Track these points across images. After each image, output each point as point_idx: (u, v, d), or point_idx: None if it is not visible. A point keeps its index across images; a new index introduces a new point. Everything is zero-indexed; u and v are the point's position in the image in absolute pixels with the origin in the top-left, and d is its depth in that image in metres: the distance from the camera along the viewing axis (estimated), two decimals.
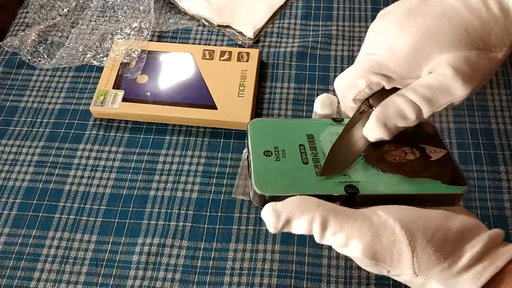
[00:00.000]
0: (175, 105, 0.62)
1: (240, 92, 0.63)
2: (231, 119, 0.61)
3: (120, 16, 0.74)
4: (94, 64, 0.69)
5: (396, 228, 0.29)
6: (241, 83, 0.64)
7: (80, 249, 0.54)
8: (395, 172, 0.35)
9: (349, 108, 0.37)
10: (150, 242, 0.54)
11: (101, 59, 0.69)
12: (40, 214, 0.57)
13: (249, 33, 0.71)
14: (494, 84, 0.65)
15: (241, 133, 0.62)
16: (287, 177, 0.34)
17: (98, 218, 0.56)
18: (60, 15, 0.75)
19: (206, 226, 0.55)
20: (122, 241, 0.55)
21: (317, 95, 0.31)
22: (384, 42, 0.33)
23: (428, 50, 0.32)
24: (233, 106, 0.62)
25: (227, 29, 0.73)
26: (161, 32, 0.73)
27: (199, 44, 0.71)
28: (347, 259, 0.52)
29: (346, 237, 0.29)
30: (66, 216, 0.56)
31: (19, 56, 0.70)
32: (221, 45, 0.71)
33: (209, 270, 0.52)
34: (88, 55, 0.69)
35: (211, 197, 0.57)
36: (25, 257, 0.54)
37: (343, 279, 0.51)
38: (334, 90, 0.38)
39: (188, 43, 0.72)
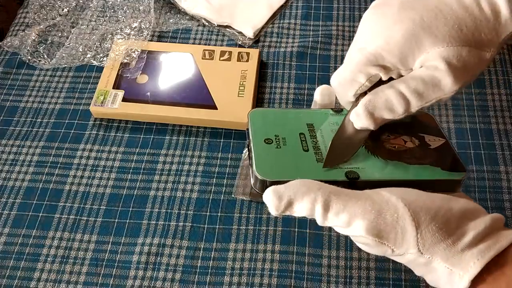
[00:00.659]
0: (175, 105, 0.62)
1: (240, 92, 0.63)
2: (231, 119, 0.61)
3: (120, 16, 0.74)
4: (94, 64, 0.69)
5: (399, 205, 0.29)
6: (241, 83, 0.64)
7: (80, 249, 0.54)
8: (395, 159, 0.35)
9: (349, 104, 0.37)
10: (150, 242, 0.54)
11: (101, 59, 0.69)
12: (40, 214, 0.57)
13: (249, 33, 0.71)
14: (494, 84, 0.65)
15: (241, 133, 0.62)
16: (288, 163, 0.35)
17: (98, 218, 0.56)
18: (60, 15, 0.75)
19: (206, 226, 0.55)
20: (122, 241, 0.55)
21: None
22: (379, 33, 0.33)
23: (423, 41, 0.32)
24: (233, 106, 0.62)
25: (227, 29, 0.73)
26: (161, 32, 0.73)
27: (199, 44, 0.71)
28: (347, 259, 0.52)
29: (349, 216, 0.29)
30: (66, 216, 0.56)
31: (19, 56, 0.70)
32: (221, 45, 0.71)
33: (209, 270, 0.52)
34: (88, 55, 0.69)
35: (211, 197, 0.57)
36: (25, 257, 0.54)
37: (343, 279, 0.51)
38: None
39: (188, 43, 0.72)
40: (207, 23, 0.73)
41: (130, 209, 0.57)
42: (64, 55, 0.70)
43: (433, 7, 0.32)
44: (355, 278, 0.51)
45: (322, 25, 0.73)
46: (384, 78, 0.34)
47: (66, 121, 0.64)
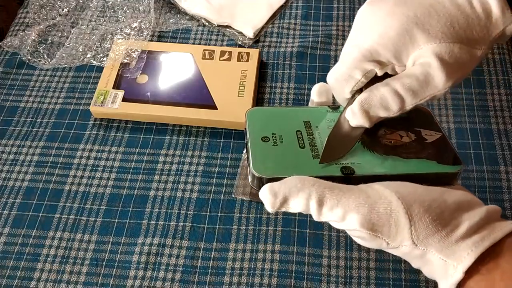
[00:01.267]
0: (175, 105, 0.62)
1: (240, 92, 0.63)
2: (231, 119, 0.61)
3: (120, 16, 0.74)
4: (94, 64, 0.69)
5: (392, 199, 0.30)
6: (241, 83, 0.64)
7: (80, 249, 0.54)
8: (391, 154, 0.35)
9: (345, 100, 0.37)
10: (150, 242, 0.54)
11: (101, 59, 0.69)
12: (40, 214, 0.57)
13: (249, 33, 0.71)
14: (494, 84, 0.65)
15: (241, 133, 0.62)
16: (284, 160, 0.35)
17: (98, 218, 0.56)
18: (60, 15, 0.75)
19: (206, 226, 0.55)
20: (122, 241, 0.55)
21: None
22: (374, 28, 0.34)
23: (416, 36, 0.32)
24: (233, 106, 0.62)
25: (227, 29, 0.73)
26: (161, 32, 0.73)
27: (199, 44, 0.71)
28: (347, 259, 0.52)
29: (343, 210, 0.29)
30: (66, 216, 0.56)
31: (19, 56, 0.70)
32: (221, 45, 0.71)
33: (209, 270, 0.52)
34: (88, 55, 0.69)
35: (211, 197, 0.57)
36: (25, 257, 0.54)
37: (343, 279, 0.51)
38: None
39: (188, 43, 0.72)
40: (207, 23, 0.73)
41: (130, 209, 0.57)
42: (64, 55, 0.70)
43: (426, 5, 0.33)
44: (355, 278, 0.51)
45: (322, 25, 0.73)
46: (380, 73, 0.34)
47: (66, 121, 0.64)
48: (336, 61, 0.69)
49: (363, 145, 0.36)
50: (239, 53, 0.67)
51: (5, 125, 0.64)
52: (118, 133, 0.63)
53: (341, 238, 0.54)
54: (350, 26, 0.72)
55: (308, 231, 0.54)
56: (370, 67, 0.33)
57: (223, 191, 0.58)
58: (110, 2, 0.75)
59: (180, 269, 0.53)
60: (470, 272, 0.28)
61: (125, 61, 0.66)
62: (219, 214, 0.56)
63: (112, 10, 0.75)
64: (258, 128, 0.38)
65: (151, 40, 0.71)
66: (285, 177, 0.32)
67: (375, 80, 0.34)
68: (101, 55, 0.69)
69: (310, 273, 0.52)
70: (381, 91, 0.33)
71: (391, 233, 0.29)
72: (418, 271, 0.51)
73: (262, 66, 0.68)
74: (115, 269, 0.53)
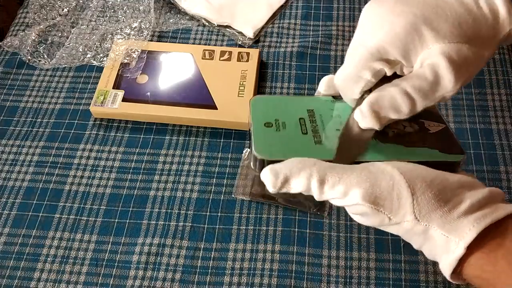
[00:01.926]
0: (175, 105, 0.62)
1: (240, 92, 0.63)
2: (231, 119, 0.61)
3: (120, 16, 0.74)
4: (94, 64, 0.69)
5: (394, 173, 0.30)
6: (241, 83, 0.64)
7: (80, 249, 0.54)
8: (394, 142, 0.35)
9: (353, 101, 0.36)
10: (150, 242, 0.54)
11: (101, 59, 0.69)
12: (40, 214, 0.57)
13: (249, 33, 0.71)
14: (494, 84, 0.65)
15: (241, 133, 0.62)
16: (286, 144, 0.35)
17: (98, 218, 0.56)
18: (60, 15, 0.75)
19: (206, 226, 0.55)
20: (122, 241, 0.55)
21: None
22: (381, 26, 0.33)
23: (424, 34, 0.32)
24: (233, 106, 0.62)
25: (227, 29, 0.73)
26: (161, 32, 0.73)
27: (199, 44, 0.71)
28: (347, 259, 0.52)
29: (345, 186, 0.29)
30: (66, 216, 0.56)
31: (19, 56, 0.70)
32: (221, 45, 0.71)
33: (209, 270, 0.52)
34: (88, 55, 0.69)
35: (211, 197, 0.57)
36: (25, 257, 0.54)
37: (343, 279, 0.51)
38: None
39: (188, 43, 0.72)
40: (207, 23, 0.73)
41: (130, 209, 0.57)
42: (64, 55, 0.70)
43: (433, 4, 0.32)
44: (355, 278, 0.51)
45: (322, 25, 0.73)
46: (389, 73, 0.33)
47: (66, 121, 0.64)
48: (336, 61, 0.69)
49: None
50: (239, 53, 0.67)
51: (5, 125, 0.64)
52: (118, 133, 0.63)
53: (341, 238, 0.54)
54: (350, 26, 0.72)
55: (308, 231, 0.54)
56: (379, 67, 0.33)
57: (223, 191, 0.58)
58: (110, 2, 0.75)
59: (180, 269, 0.53)
60: (471, 249, 0.28)
61: (125, 61, 0.66)
62: (219, 214, 0.56)
63: (112, 10, 0.75)
64: (261, 114, 0.38)
65: (151, 40, 0.71)
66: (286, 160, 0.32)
67: (382, 81, 0.34)
68: (101, 55, 0.69)
69: (310, 273, 0.52)
70: (391, 92, 0.32)
71: (393, 207, 0.29)
72: (417, 271, 0.51)
73: (262, 66, 0.68)
74: (115, 269, 0.53)
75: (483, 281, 0.29)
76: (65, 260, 0.54)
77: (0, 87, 0.68)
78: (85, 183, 0.59)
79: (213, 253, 0.54)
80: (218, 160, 0.60)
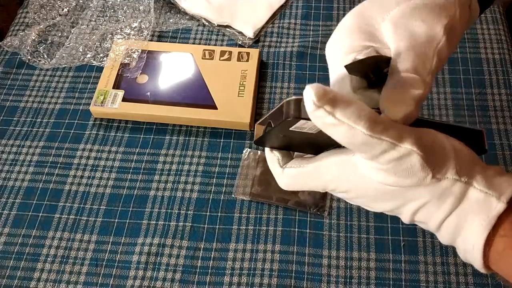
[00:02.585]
0: (175, 105, 0.62)
1: (240, 92, 0.63)
2: (231, 119, 0.61)
3: (120, 16, 0.74)
4: (94, 64, 0.69)
5: (432, 131, 0.29)
6: (241, 83, 0.64)
7: (80, 249, 0.54)
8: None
9: (341, 77, 0.33)
10: (150, 242, 0.54)
11: (101, 59, 0.69)
12: (40, 214, 0.57)
13: (249, 33, 0.71)
14: (494, 84, 0.65)
15: (241, 133, 0.62)
16: None
17: (98, 218, 0.56)
18: (60, 15, 0.75)
19: (206, 226, 0.55)
20: (122, 241, 0.55)
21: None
22: (352, 13, 0.33)
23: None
24: (233, 106, 0.62)
25: (227, 29, 0.73)
26: (161, 32, 0.73)
27: (199, 44, 0.71)
28: (347, 259, 0.52)
29: (398, 132, 0.26)
30: (66, 216, 0.56)
31: (19, 56, 0.70)
32: (221, 45, 0.71)
33: (209, 270, 0.52)
34: (88, 55, 0.69)
35: (211, 197, 0.57)
36: (25, 257, 0.54)
37: (343, 279, 0.51)
38: None
39: (188, 43, 0.72)
40: (207, 23, 0.73)
41: (130, 209, 0.57)
42: (64, 55, 0.70)
43: None
44: (355, 278, 0.51)
45: (322, 25, 0.73)
46: (372, 42, 0.32)
47: (66, 121, 0.64)
48: None
49: None
50: (239, 53, 0.67)
51: (5, 125, 0.64)
52: (118, 133, 0.63)
53: (341, 238, 0.54)
54: None
55: (308, 231, 0.54)
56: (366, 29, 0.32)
57: (223, 191, 0.58)
58: (110, 2, 0.75)
59: (180, 269, 0.53)
60: (508, 214, 0.27)
61: (125, 61, 0.66)
62: (219, 214, 0.56)
63: (112, 10, 0.75)
64: None
65: (151, 40, 0.71)
66: None
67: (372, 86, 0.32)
68: (101, 55, 0.69)
69: (310, 273, 0.52)
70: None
71: (437, 161, 0.28)
72: (417, 271, 0.51)
73: (262, 66, 0.68)
74: (115, 269, 0.53)
75: None
76: (65, 260, 0.54)
77: (0, 87, 0.68)
78: (85, 183, 0.59)
79: (213, 253, 0.53)
80: (218, 160, 0.60)
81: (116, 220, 0.56)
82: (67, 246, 0.55)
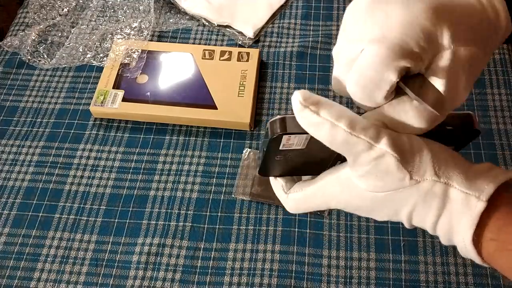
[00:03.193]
0: (175, 105, 0.62)
1: (240, 92, 0.63)
2: (231, 119, 0.61)
3: (120, 16, 0.74)
4: (94, 64, 0.69)
5: (410, 135, 0.29)
6: (241, 83, 0.64)
7: (80, 249, 0.54)
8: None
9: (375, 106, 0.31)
10: (150, 242, 0.54)
11: (101, 59, 0.69)
12: (40, 214, 0.57)
13: (249, 33, 0.71)
14: (494, 84, 0.65)
15: (241, 133, 0.62)
16: None
17: (98, 218, 0.56)
18: (60, 15, 0.75)
19: (206, 226, 0.55)
20: (122, 241, 0.55)
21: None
22: (391, 17, 0.28)
23: (443, 29, 0.28)
24: (233, 106, 0.62)
25: (227, 29, 0.73)
26: (161, 32, 0.73)
27: (199, 44, 0.71)
28: (347, 259, 0.52)
29: (376, 131, 0.28)
30: (66, 216, 0.56)
31: (19, 56, 0.70)
32: (221, 45, 0.71)
33: (209, 270, 0.52)
34: (88, 55, 0.69)
35: (211, 197, 0.57)
36: (25, 257, 0.54)
37: (343, 279, 0.51)
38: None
39: (188, 43, 0.72)
40: (207, 23, 0.73)
41: (130, 209, 0.57)
42: (64, 55, 0.70)
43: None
44: (355, 278, 0.51)
45: (322, 25, 0.73)
46: (416, 69, 0.28)
47: (66, 121, 0.64)
48: None
49: None
50: (239, 53, 0.67)
51: (5, 125, 0.64)
52: (118, 133, 0.63)
53: (341, 238, 0.54)
54: None
55: (308, 231, 0.54)
56: (405, 64, 0.28)
57: (223, 191, 0.58)
58: (110, 2, 0.75)
59: (180, 269, 0.53)
60: (489, 211, 0.28)
61: (125, 61, 0.66)
62: (219, 214, 0.56)
63: (112, 10, 0.75)
64: None
65: (151, 40, 0.71)
66: None
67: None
68: (101, 55, 0.69)
69: (310, 273, 0.52)
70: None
71: (415, 162, 0.28)
72: (417, 271, 0.51)
73: (262, 66, 0.68)
74: (115, 269, 0.53)
75: (501, 244, 0.28)
76: (65, 260, 0.54)
77: (0, 87, 0.68)
78: (85, 183, 0.59)
79: (213, 253, 0.53)
80: (218, 160, 0.60)
81: (116, 220, 0.56)
82: (67, 246, 0.55)
